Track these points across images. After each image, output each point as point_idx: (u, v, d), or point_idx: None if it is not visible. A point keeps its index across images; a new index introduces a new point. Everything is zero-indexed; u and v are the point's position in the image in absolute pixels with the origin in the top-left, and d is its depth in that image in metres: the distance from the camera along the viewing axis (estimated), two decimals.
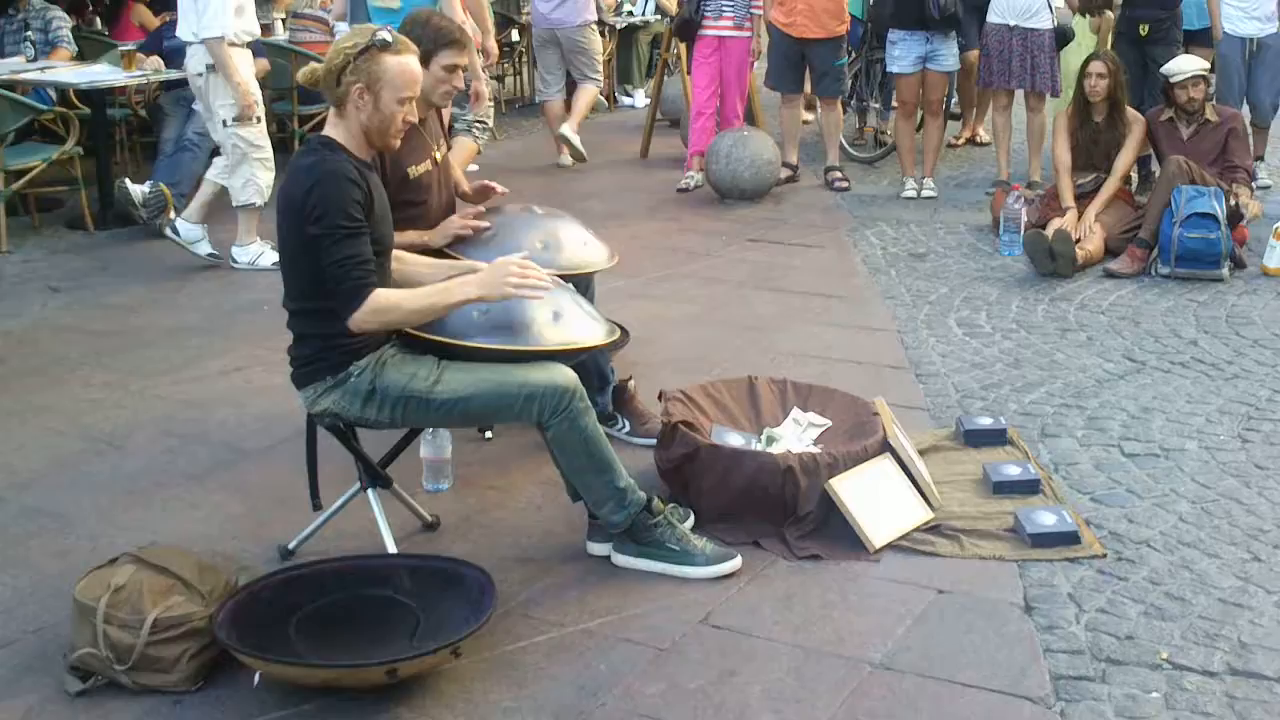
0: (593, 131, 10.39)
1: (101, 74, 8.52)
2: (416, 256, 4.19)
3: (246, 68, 7.28)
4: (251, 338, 6.12)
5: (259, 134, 7.37)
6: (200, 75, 7.25)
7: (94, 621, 3.28)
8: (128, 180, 8.02)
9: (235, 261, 7.48)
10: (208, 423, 5.14)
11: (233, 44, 7.14)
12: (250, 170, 7.35)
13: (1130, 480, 4.48)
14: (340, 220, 3.53)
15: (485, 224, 4.59)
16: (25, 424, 5.14)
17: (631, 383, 4.90)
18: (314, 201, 3.53)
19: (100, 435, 5.03)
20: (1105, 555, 3.94)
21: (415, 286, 4.02)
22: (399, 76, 3.66)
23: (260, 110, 7.40)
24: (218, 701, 3.29)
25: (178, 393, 5.47)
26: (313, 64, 3.80)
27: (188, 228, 7.49)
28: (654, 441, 4.57)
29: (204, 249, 7.49)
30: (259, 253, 7.47)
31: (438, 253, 4.48)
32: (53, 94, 8.75)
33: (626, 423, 4.83)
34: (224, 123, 7.26)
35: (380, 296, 3.57)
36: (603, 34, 13.13)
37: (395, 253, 4.00)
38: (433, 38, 4.49)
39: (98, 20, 11.60)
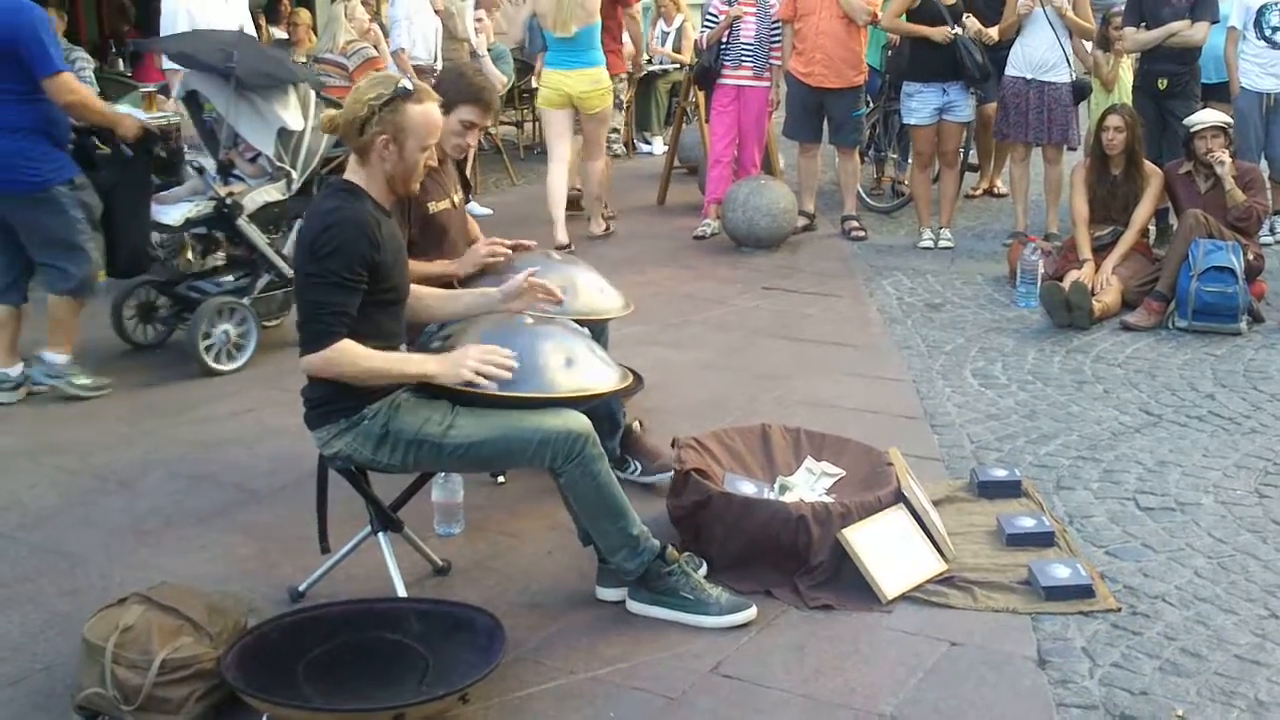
0: (611, 178, 10.41)
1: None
2: (427, 289, 4.20)
3: None
4: (264, 378, 6.14)
5: None
6: None
7: (102, 661, 3.26)
8: None
9: None
10: (219, 463, 5.14)
11: None
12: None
13: (1145, 534, 4.45)
14: (339, 269, 3.53)
15: (509, 250, 4.63)
16: (37, 462, 5.14)
17: (637, 424, 4.88)
18: (323, 242, 3.55)
19: (111, 474, 5.03)
20: (1120, 610, 3.91)
21: (428, 319, 4.14)
22: (423, 125, 3.69)
23: None
24: None
25: (189, 433, 5.48)
26: (331, 111, 3.82)
27: None
28: (669, 475, 4.56)
29: None
30: None
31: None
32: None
33: (637, 464, 4.82)
34: None
35: (339, 348, 3.55)
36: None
37: (413, 289, 4.03)
38: (461, 92, 4.59)
39: (120, 62, 11.69)
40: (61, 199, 5.78)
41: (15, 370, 5.97)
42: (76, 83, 5.90)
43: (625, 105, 10.67)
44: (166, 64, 7.28)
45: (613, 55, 9.71)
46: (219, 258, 6.71)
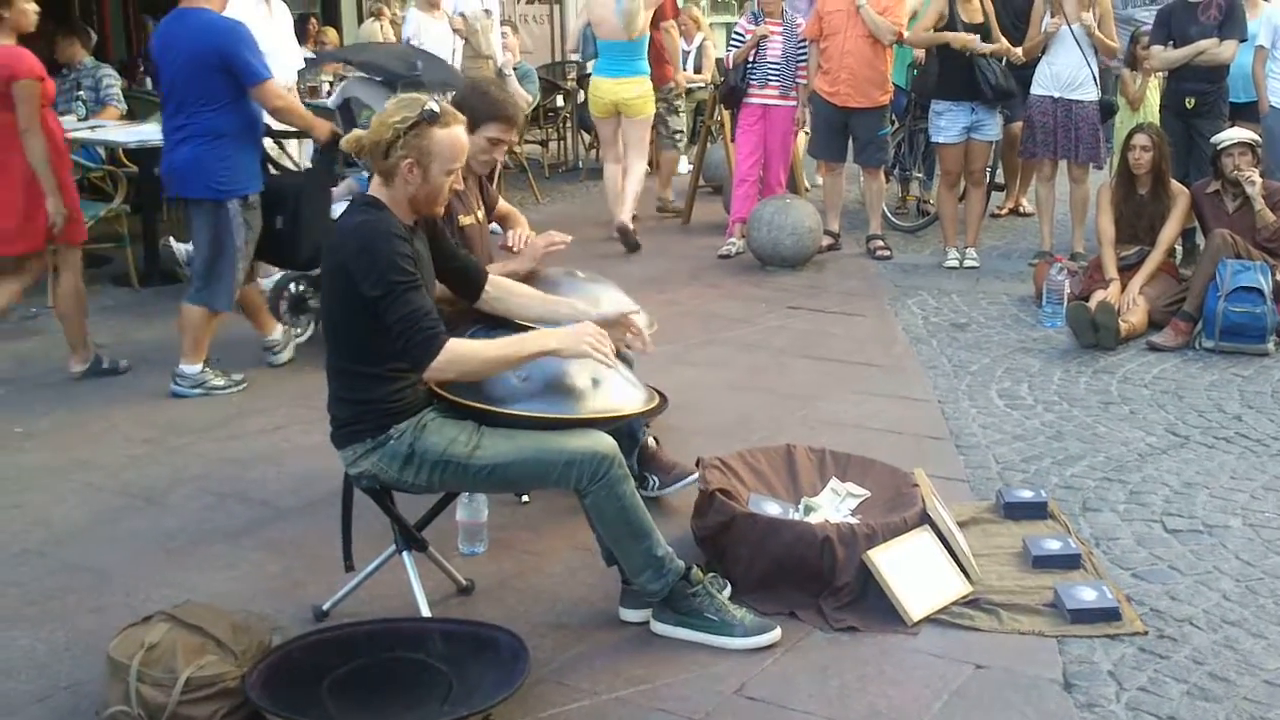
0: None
1: (150, 133, 8.62)
2: (521, 287, 4.25)
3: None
4: (291, 396, 6.15)
5: None
6: None
7: (127, 679, 3.27)
8: (173, 239, 8.12)
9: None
10: (245, 480, 5.16)
11: None
12: None
13: (1173, 556, 4.42)
14: (395, 276, 3.54)
15: (567, 239, 4.75)
16: (64, 479, 5.16)
17: (652, 440, 4.88)
18: (366, 262, 3.55)
19: (139, 491, 5.05)
20: (1147, 633, 3.88)
21: (518, 315, 4.13)
22: (448, 149, 3.68)
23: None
24: None
25: (216, 450, 5.50)
26: (357, 132, 3.82)
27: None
28: (688, 480, 4.66)
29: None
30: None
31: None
32: (101, 152, 8.89)
33: (655, 479, 4.81)
34: None
35: (455, 346, 3.59)
36: None
37: (499, 282, 4.12)
38: (487, 110, 4.60)
39: (149, 81, 11.76)
40: (231, 215, 6.14)
41: (195, 369, 6.30)
42: (282, 89, 6.51)
43: (679, 110, 10.99)
44: None
45: (667, 66, 10.73)
46: None
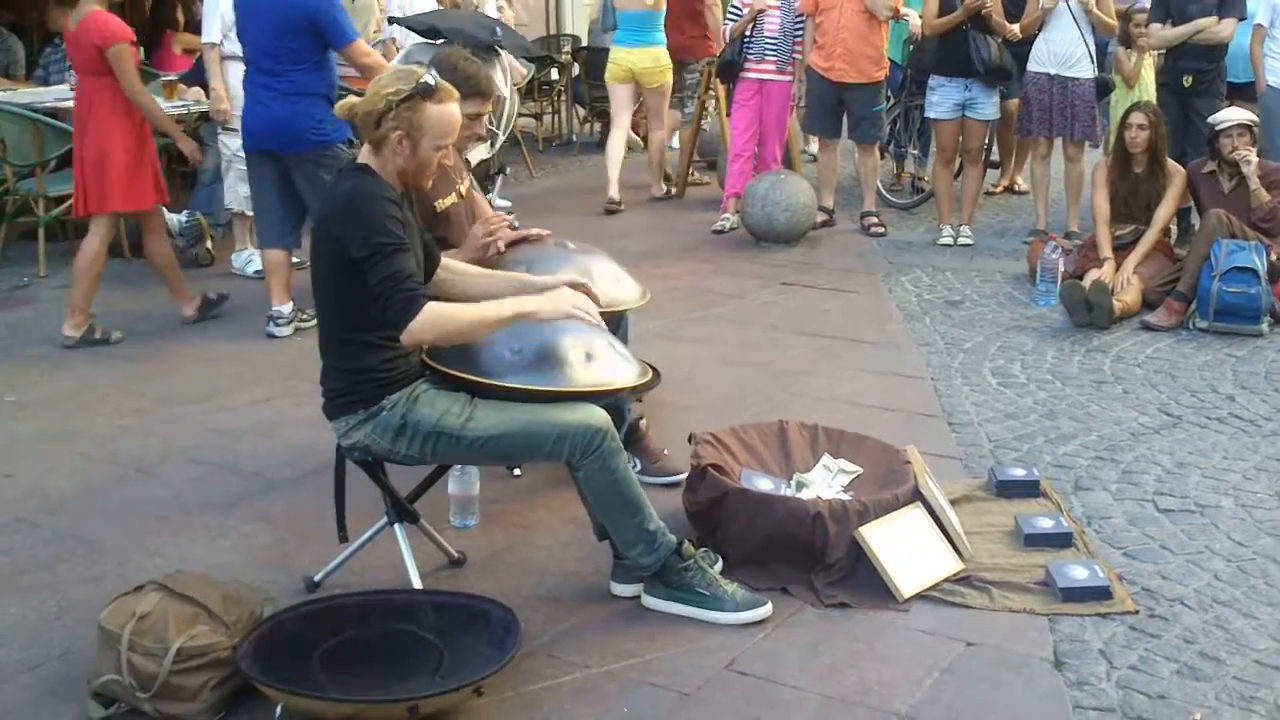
0: (628, 171, 10.43)
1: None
2: (471, 267, 4.21)
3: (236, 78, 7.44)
4: (283, 368, 6.15)
5: (240, 147, 7.45)
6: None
7: (118, 648, 3.28)
8: (165, 209, 8.09)
9: (232, 266, 8.04)
10: (237, 452, 5.15)
11: (233, 56, 7.44)
12: (233, 179, 7.84)
13: (1164, 536, 4.43)
14: (381, 238, 3.52)
15: (508, 230, 4.60)
16: (56, 448, 5.16)
17: (643, 421, 4.87)
18: (353, 225, 3.53)
19: (130, 462, 5.04)
20: (1138, 612, 3.89)
21: (464, 297, 4.03)
22: (439, 125, 3.66)
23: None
24: None
25: (208, 421, 5.49)
26: (351, 99, 3.78)
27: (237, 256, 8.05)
28: (665, 480, 4.67)
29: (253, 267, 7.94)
30: (248, 259, 7.96)
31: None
32: None
33: (636, 461, 4.79)
34: (217, 130, 7.81)
35: (434, 307, 3.56)
36: None
37: (450, 264, 4.07)
38: (461, 85, 4.50)
39: (141, 51, 11.68)
40: (340, 155, 6.40)
41: (287, 308, 6.78)
42: (368, 47, 6.92)
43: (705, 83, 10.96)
44: (209, 38, 7.69)
45: (705, 40, 10.75)
46: None
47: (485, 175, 8.07)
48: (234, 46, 7.48)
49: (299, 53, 6.40)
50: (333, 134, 6.47)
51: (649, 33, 10.23)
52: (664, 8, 10.24)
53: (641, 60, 10.20)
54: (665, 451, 4.86)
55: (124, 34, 6.52)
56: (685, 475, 4.52)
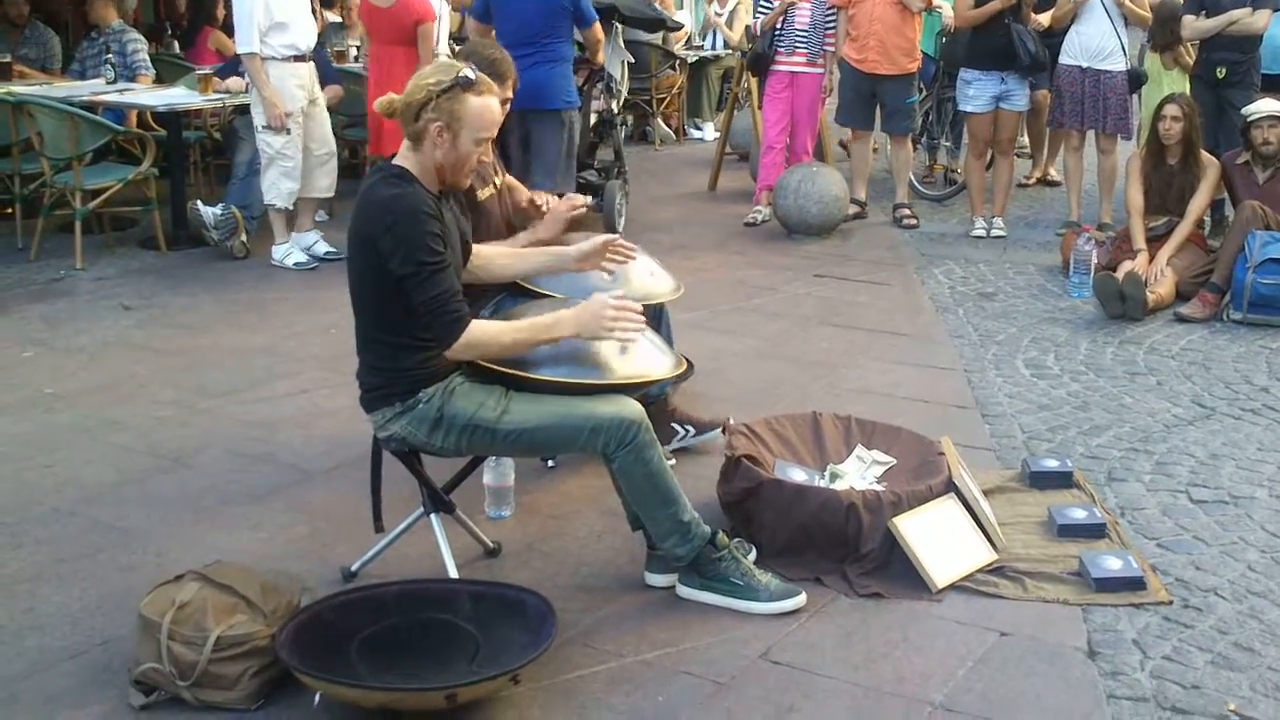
0: (662, 164, 10.45)
1: (177, 97, 8.67)
2: (496, 249, 4.25)
3: (286, 81, 7.76)
4: (319, 360, 6.18)
5: (286, 144, 7.86)
6: (249, 84, 8.01)
7: (158, 637, 3.31)
8: (200, 202, 8.18)
9: (273, 259, 8.06)
10: (273, 443, 5.19)
11: (271, 58, 7.69)
12: (274, 176, 7.91)
13: (1198, 527, 4.42)
14: (425, 258, 3.54)
15: (589, 200, 4.80)
16: (95, 439, 5.20)
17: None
18: (394, 241, 3.54)
19: (167, 453, 5.09)
20: (1171, 602, 3.89)
21: (500, 279, 4.20)
22: (480, 118, 3.66)
23: (298, 119, 7.89)
24: None
25: (244, 412, 5.53)
26: (390, 95, 3.79)
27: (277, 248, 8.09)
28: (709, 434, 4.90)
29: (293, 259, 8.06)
30: (287, 252, 8.02)
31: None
32: (133, 115, 8.94)
33: (689, 428, 4.97)
34: (258, 129, 7.89)
35: (476, 330, 3.62)
36: (673, 68, 13.23)
37: (479, 250, 4.09)
38: (488, 71, 4.51)
39: (176, 45, 11.77)
40: (571, 120, 7.95)
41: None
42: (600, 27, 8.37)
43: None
44: (249, 49, 7.70)
45: None
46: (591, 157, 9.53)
47: (608, 124, 9.51)
48: (270, 50, 7.68)
49: (559, 29, 7.82)
50: (570, 100, 7.94)
51: None
52: None
53: None
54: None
55: (433, 14, 8.05)
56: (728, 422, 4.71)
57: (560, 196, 4.96)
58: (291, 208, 8.06)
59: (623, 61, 9.53)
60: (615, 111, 9.67)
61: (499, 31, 7.86)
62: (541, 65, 7.67)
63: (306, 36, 7.93)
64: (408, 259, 3.53)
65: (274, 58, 7.71)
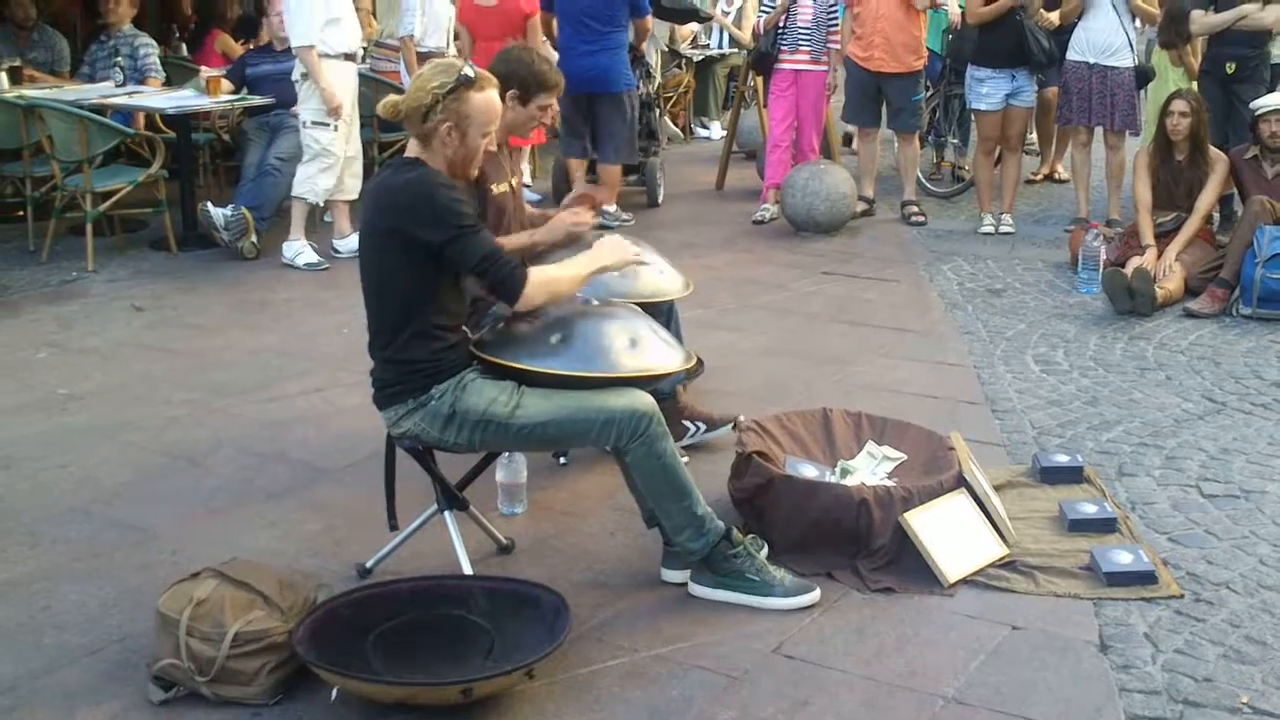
0: (669, 162, 10.49)
1: (188, 99, 8.69)
2: (512, 237, 4.41)
3: (338, 77, 7.88)
4: (331, 359, 6.21)
5: (332, 140, 7.93)
6: (297, 81, 7.98)
7: (176, 633, 3.34)
8: (210, 204, 8.20)
9: (284, 256, 8.08)
10: (287, 442, 5.21)
11: (325, 55, 7.76)
12: (313, 169, 7.98)
13: (1209, 521, 4.44)
14: (460, 221, 3.64)
15: (592, 219, 4.73)
16: (109, 439, 5.23)
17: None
18: (425, 213, 3.61)
19: (181, 452, 5.11)
20: (1183, 596, 3.90)
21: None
22: (484, 113, 3.76)
23: (345, 117, 7.98)
24: (295, 715, 3.34)
25: (257, 412, 5.55)
26: (393, 97, 3.85)
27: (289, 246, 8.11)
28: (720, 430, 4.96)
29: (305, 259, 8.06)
30: (299, 250, 8.04)
31: None
32: (141, 118, 8.96)
33: (700, 425, 5.02)
34: (304, 124, 7.95)
35: (538, 273, 3.78)
36: (679, 66, 13.25)
37: None
38: (537, 82, 4.74)
39: (184, 47, 11.80)
40: (631, 100, 8.92)
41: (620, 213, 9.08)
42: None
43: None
44: (305, 42, 7.78)
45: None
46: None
47: (645, 106, 9.89)
48: (324, 47, 7.78)
49: (618, 18, 8.68)
50: (630, 81, 8.86)
51: None
52: None
53: None
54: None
55: (538, 6, 8.87)
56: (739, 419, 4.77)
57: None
58: (321, 204, 8.16)
59: (657, 49, 10.41)
60: (653, 94, 10.36)
61: (561, 19, 8.76)
62: (605, 53, 8.64)
63: (354, 37, 8.03)
64: (443, 225, 3.61)
65: (328, 54, 7.81)
